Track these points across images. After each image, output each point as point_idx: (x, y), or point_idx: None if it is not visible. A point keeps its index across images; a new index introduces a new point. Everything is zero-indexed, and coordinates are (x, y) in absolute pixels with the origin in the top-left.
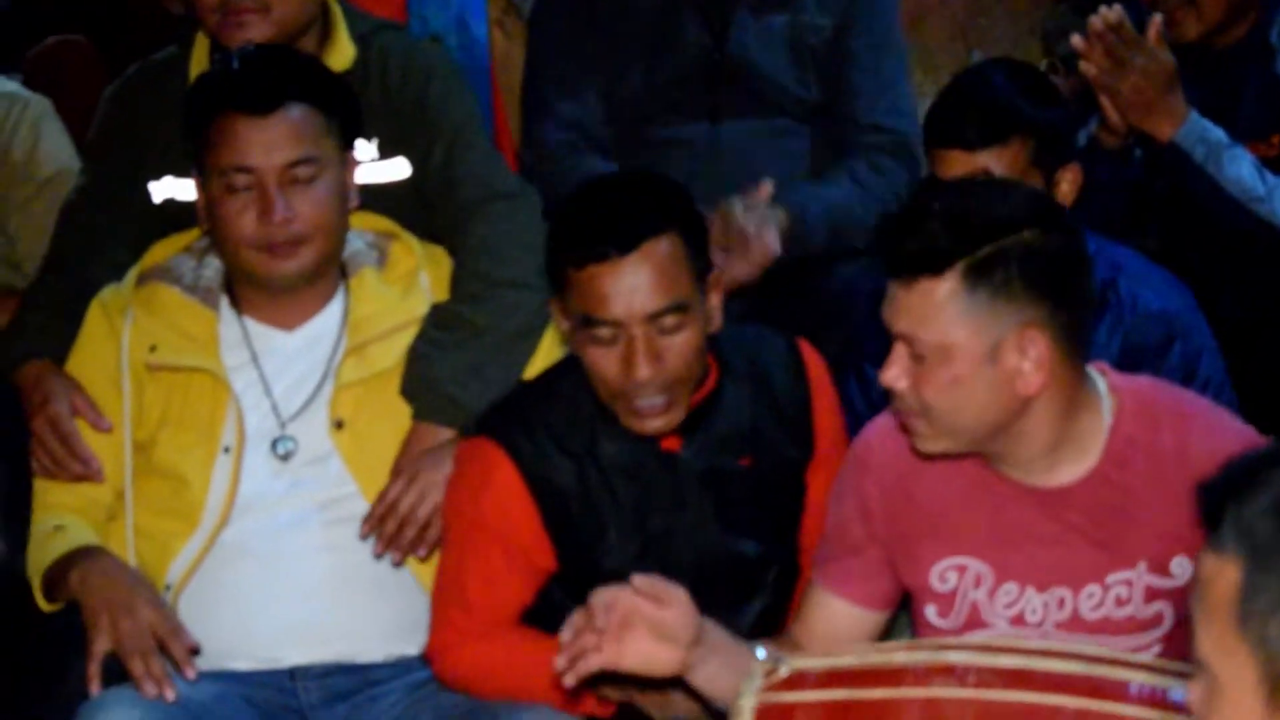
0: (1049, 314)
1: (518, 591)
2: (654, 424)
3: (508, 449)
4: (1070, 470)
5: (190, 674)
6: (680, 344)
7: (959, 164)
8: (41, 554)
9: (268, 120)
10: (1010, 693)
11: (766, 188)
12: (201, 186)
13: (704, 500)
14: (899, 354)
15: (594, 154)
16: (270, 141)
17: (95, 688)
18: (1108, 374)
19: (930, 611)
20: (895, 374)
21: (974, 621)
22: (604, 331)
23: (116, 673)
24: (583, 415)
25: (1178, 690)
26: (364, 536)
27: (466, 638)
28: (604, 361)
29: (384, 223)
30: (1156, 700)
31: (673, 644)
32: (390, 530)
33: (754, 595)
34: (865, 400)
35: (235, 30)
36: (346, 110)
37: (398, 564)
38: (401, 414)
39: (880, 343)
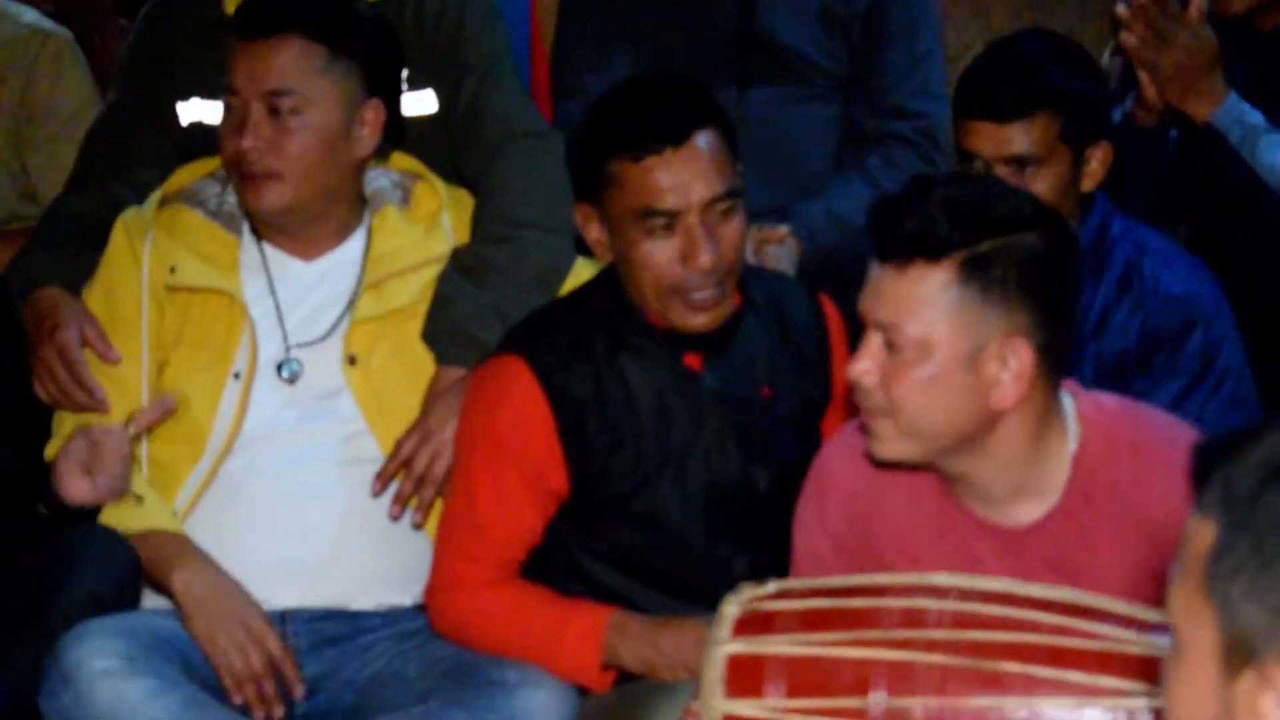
0: (1037, 325)
1: (530, 523)
2: (706, 317)
3: (528, 358)
4: (1030, 508)
5: (299, 693)
6: (732, 232)
7: (986, 136)
8: (116, 518)
9: (255, 45)
10: (990, 606)
11: (782, 232)
12: None
13: (723, 423)
14: (872, 346)
15: None
16: (254, 67)
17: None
18: (1078, 397)
19: None
20: (865, 367)
21: None
22: (662, 222)
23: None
24: (606, 327)
25: (1159, 634)
26: (377, 494)
27: (471, 576)
28: (661, 254)
29: (409, 161)
30: (1135, 623)
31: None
32: (406, 490)
33: (753, 538)
34: None
35: None
36: (370, 54)
37: (418, 526)
38: (417, 355)
39: None
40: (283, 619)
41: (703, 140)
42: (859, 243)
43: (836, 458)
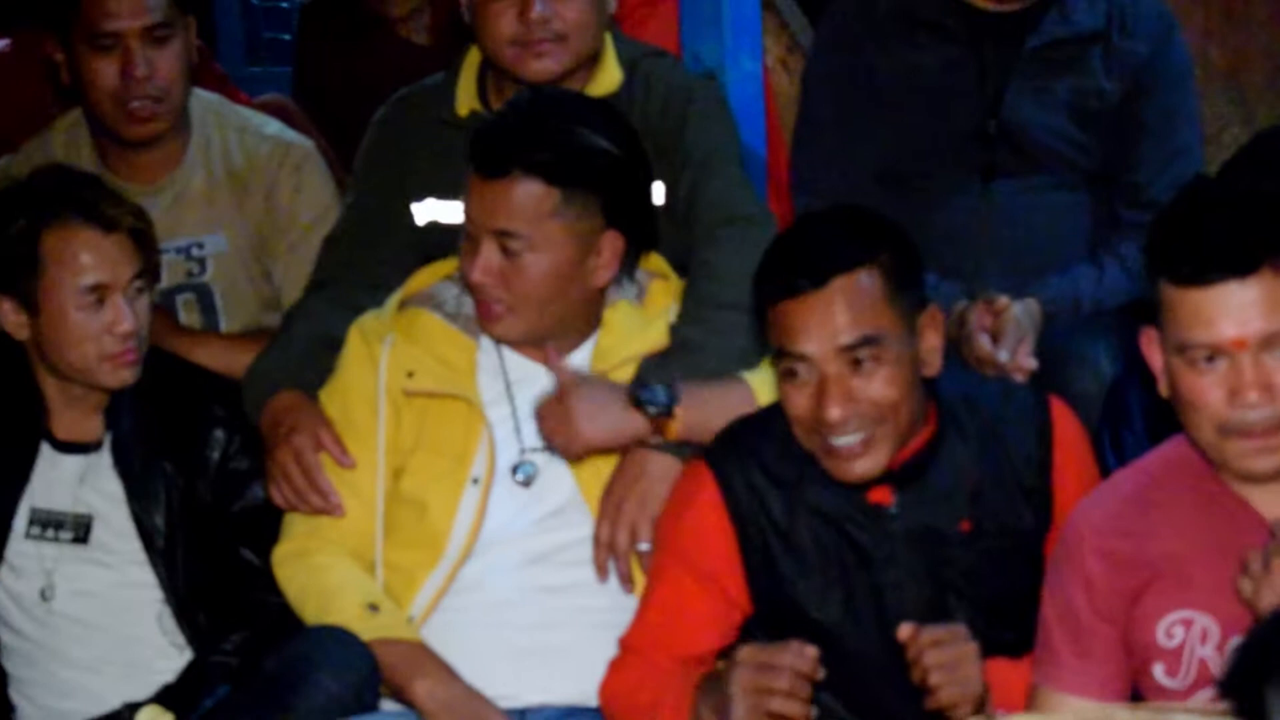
0: None
1: (703, 626)
2: (854, 467)
3: (715, 472)
4: None
5: None
6: (878, 382)
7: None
8: (347, 620)
9: (488, 184)
10: None
11: (1004, 302)
12: None
13: (914, 561)
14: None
15: None
16: (486, 204)
17: None
18: None
19: (1158, 671)
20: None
21: (1203, 680)
22: (796, 367)
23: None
24: (794, 453)
25: None
26: (603, 580)
27: (628, 656)
28: (796, 399)
29: (656, 262)
30: None
31: None
32: (600, 560)
33: None
34: (1120, 464)
35: (534, 61)
36: (609, 188)
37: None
38: None
39: (1139, 399)
40: (523, 716)
41: (850, 282)
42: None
43: (1089, 506)
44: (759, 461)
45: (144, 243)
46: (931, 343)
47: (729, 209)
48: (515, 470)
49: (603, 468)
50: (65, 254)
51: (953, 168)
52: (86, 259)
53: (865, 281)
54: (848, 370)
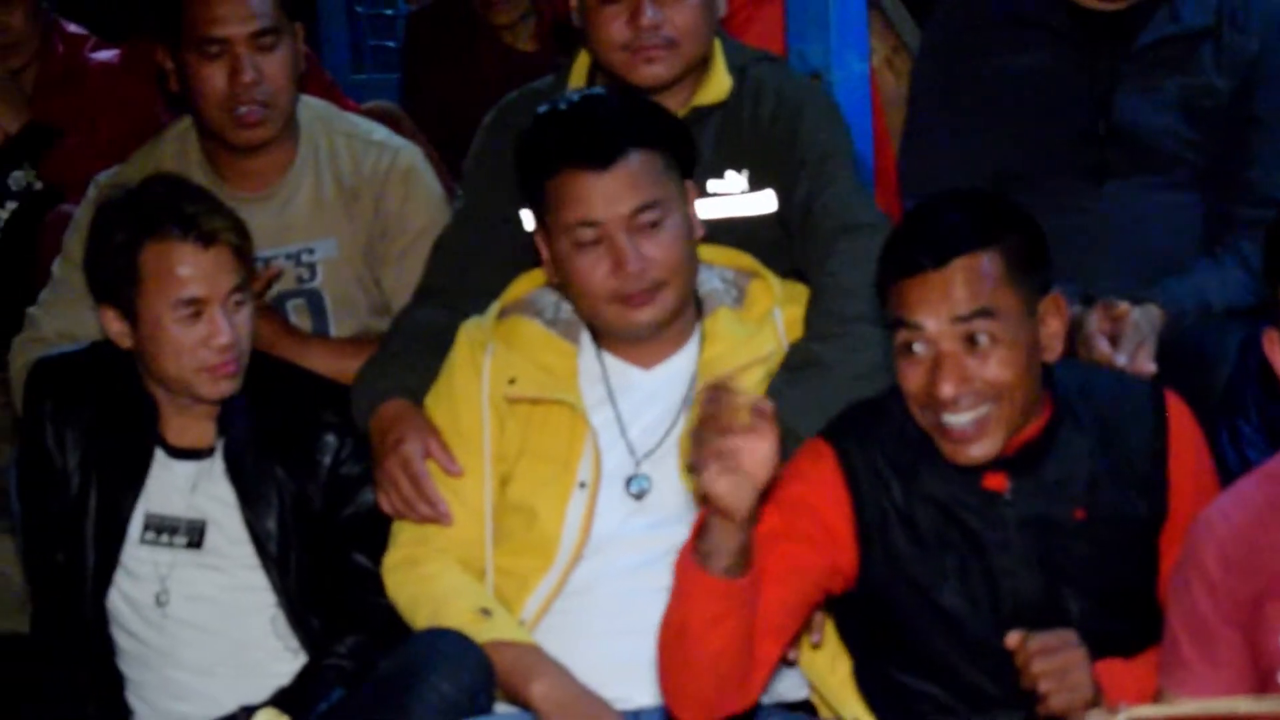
0: None
1: (801, 572)
2: (968, 450)
3: (835, 448)
4: None
5: None
6: (993, 361)
7: None
8: (460, 625)
9: (607, 173)
10: None
11: (1124, 308)
12: (545, 240)
13: (1029, 549)
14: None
15: None
16: (610, 195)
17: None
18: None
19: None
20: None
21: None
22: (912, 341)
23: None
24: (911, 439)
25: None
26: None
27: None
28: (912, 375)
29: (746, 260)
30: None
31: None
32: None
33: None
34: (1238, 456)
35: (645, 66)
36: (680, 142)
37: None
38: None
39: (1255, 394)
40: (636, 718)
41: (970, 262)
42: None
43: (1214, 511)
44: (879, 444)
45: (243, 255)
46: (1053, 328)
47: (847, 217)
48: (629, 483)
49: None
50: (163, 267)
51: (1064, 170)
52: (184, 273)
53: (986, 263)
54: (963, 348)
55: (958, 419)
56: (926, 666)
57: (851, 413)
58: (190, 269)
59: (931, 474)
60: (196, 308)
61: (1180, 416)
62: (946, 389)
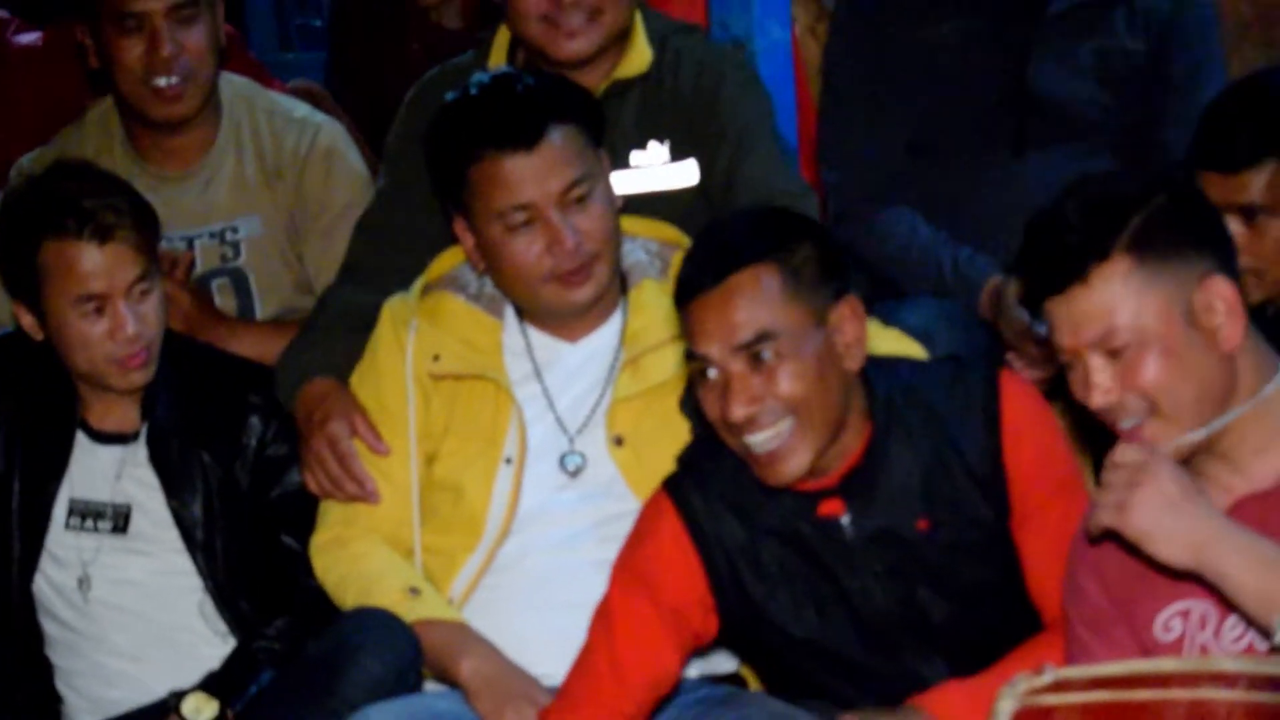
0: (1217, 256)
1: (666, 661)
2: (778, 471)
3: (676, 502)
4: (1273, 460)
5: None
6: (782, 376)
7: (1216, 188)
8: (389, 604)
9: (534, 153)
10: None
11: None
12: (468, 229)
13: (877, 566)
14: (1096, 368)
15: (898, 204)
16: (539, 175)
17: None
18: None
19: None
20: (1106, 386)
21: None
22: (705, 368)
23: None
24: (747, 473)
25: None
26: None
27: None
28: (710, 401)
29: (670, 231)
30: None
31: None
32: None
33: (941, 659)
34: None
35: (565, 42)
36: (592, 112)
37: None
38: (680, 428)
39: None
40: None
41: (744, 279)
42: None
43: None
44: (716, 485)
45: (146, 245)
46: (849, 336)
47: (768, 187)
48: (563, 460)
49: (642, 450)
50: (61, 265)
51: (982, 139)
52: (82, 269)
53: (764, 278)
54: (749, 369)
55: (758, 438)
56: (807, 688)
57: (691, 454)
58: (89, 265)
59: (770, 508)
60: (98, 303)
61: (1017, 402)
62: (737, 411)
